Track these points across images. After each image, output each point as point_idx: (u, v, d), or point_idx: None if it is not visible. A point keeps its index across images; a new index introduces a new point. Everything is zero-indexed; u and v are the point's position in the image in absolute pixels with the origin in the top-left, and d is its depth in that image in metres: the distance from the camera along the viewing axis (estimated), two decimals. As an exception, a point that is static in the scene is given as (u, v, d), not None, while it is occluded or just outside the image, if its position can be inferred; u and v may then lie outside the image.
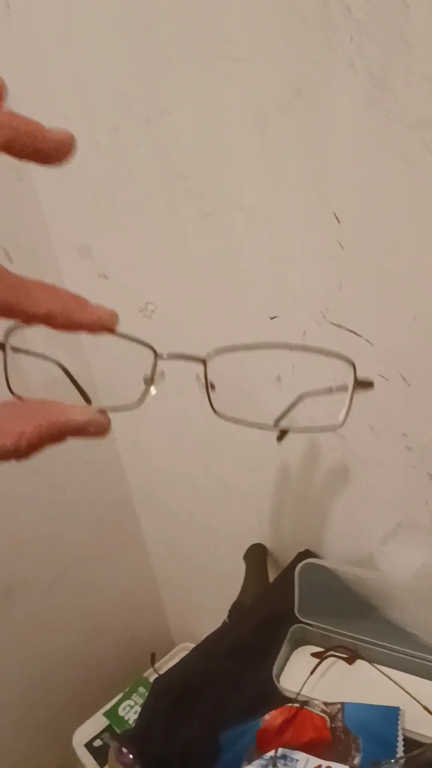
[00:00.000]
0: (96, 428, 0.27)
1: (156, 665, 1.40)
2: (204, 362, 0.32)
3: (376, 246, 0.59)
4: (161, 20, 0.65)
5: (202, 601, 1.40)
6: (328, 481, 0.82)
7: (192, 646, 1.44)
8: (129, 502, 1.35)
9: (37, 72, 0.82)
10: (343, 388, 0.33)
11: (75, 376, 0.38)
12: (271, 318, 0.70)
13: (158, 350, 0.32)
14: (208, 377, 0.33)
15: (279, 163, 0.62)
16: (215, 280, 0.77)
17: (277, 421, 0.38)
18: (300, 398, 0.38)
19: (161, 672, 1.38)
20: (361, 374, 0.33)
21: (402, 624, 0.75)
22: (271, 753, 0.64)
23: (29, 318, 0.26)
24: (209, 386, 0.34)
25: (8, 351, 0.33)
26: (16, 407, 0.27)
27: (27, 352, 0.33)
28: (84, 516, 1.28)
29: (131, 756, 0.74)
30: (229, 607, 0.95)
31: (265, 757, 0.64)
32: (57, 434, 0.26)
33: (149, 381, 0.33)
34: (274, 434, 0.76)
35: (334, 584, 0.78)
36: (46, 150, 0.25)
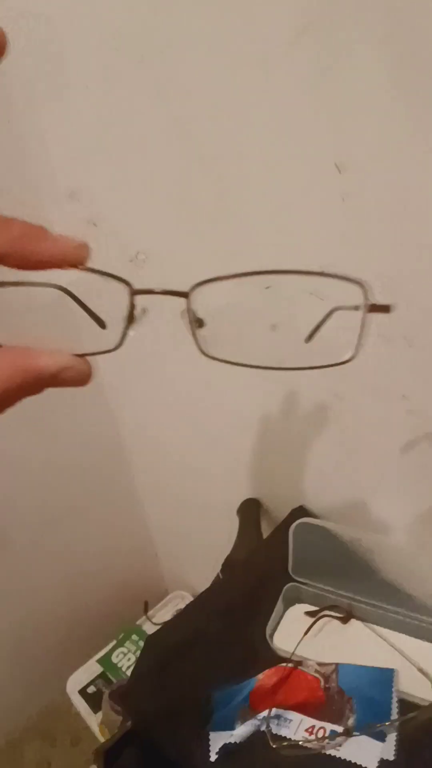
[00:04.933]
0: (74, 375, 0.24)
1: (149, 613, 1.42)
2: (186, 296, 0.29)
3: (381, 199, 0.55)
4: None
5: (195, 550, 1.40)
6: (325, 438, 0.80)
7: (185, 594, 1.48)
8: (120, 450, 1.33)
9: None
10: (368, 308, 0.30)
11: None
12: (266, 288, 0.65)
13: (134, 285, 0.28)
14: (195, 313, 0.30)
15: (282, 106, 0.57)
16: (211, 230, 0.72)
17: (309, 338, 0.35)
18: (332, 312, 0.34)
19: (153, 619, 1.41)
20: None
21: (397, 584, 0.74)
22: (265, 712, 0.63)
23: None
24: (194, 324, 0.30)
25: None
26: None
27: (4, 284, 0.29)
28: (75, 464, 1.26)
29: (121, 709, 0.74)
30: (221, 556, 0.94)
31: (259, 717, 0.63)
32: (30, 384, 0.23)
33: (127, 320, 0.29)
34: (268, 384, 0.73)
35: (328, 543, 0.76)
36: None
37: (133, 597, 1.44)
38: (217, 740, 0.64)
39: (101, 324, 0.32)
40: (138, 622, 1.41)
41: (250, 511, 0.96)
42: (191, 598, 1.46)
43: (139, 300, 0.29)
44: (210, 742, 0.64)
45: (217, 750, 0.63)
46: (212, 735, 0.65)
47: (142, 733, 0.69)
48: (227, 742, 0.63)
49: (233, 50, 0.57)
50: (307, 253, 0.63)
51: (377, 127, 0.52)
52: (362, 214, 0.57)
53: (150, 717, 0.68)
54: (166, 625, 0.79)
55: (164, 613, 1.45)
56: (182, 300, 0.30)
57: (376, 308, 0.31)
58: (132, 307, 0.29)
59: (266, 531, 0.94)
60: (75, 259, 0.24)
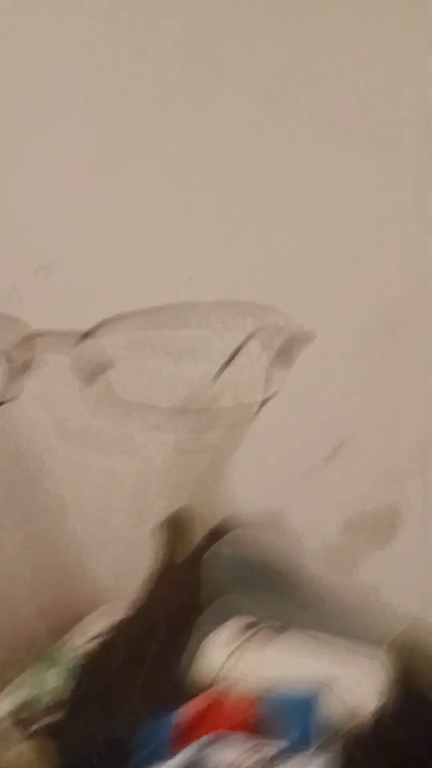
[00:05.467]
0: None
1: (65, 637, 1.36)
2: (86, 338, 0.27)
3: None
4: None
5: (122, 563, 1.36)
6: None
7: (106, 610, 1.43)
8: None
9: None
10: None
11: None
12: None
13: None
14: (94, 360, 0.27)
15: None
16: (119, 241, 0.68)
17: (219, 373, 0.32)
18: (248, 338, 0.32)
19: (69, 644, 1.35)
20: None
21: (327, 588, 0.74)
22: (201, 740, 0.61)
23: None
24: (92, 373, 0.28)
25: None
26: None
27: None
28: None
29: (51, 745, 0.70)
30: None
31: (194, 745, 0.61)
32: None
33: (21, 368, 0.26)
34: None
35: (255, 554, 0.75)
36: None
37: (61, 615, 1.39)
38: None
39: None
40: (64, 640, 1.36)
41: (173, 525, 0.93)
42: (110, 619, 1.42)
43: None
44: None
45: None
46: (146, 769, 0.62)
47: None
48: (165, 774, 0.60)
49: None
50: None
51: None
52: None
53: (78, 752, 0.65)
54: (91, 655, 0.76)
55: (95, 628, 1.40)
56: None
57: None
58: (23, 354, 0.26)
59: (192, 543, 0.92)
60: None
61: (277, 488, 0.81)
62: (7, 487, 1.23)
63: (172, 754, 0.62)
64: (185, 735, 0.63)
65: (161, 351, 0.30)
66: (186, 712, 0.65)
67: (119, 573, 1.40)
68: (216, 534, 0.75)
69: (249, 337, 0.32)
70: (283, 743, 0.61)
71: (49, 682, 1.27)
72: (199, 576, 0.77)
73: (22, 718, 1.22)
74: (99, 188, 0.67)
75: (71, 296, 0.71)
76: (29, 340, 0.25)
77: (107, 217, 0.69)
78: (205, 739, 0.62)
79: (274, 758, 0.60)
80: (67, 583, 1.50)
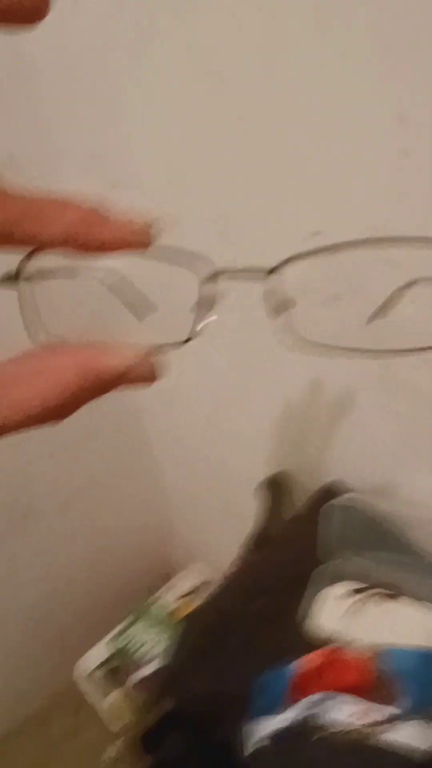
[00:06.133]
0: (143, 373, 0.22)
1: (159, 593, 1.40)
2: (273, 273, 0.26)
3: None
4: None
5: (215, 522, 1.38)
6: (369, 410, 0.76)
7: (204, 566, 1.46)
8: (139, 418, 1.30)
9: None
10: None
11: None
12: (314, 233, 0.61)
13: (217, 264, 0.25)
14: (280, 294, 0.27)
15: (335, 56, 0.52)
16: (247, 189, 0.67)
17: (374, 315, 0.31)
18: (410, 284, 0.30)
19: (167, 596, 1.39)
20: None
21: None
22: (313, 696, 0.61)
23: (42, 243, 0.20)
24: (281, 306, 0.27)
25: (25, 284, 0.25)
26: (41, 357, 0.21)
27: (54, 275, 0.25)
28: (95, 438, 1.24)
29: (163, 692, 0.72)
30: (240, 528, 0.92)
31: (308, 700, 0.62)
32: (97, 386, 0.21)
33: (207, 304, 0.26)
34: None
35: (368, 517, 0.74)
36: (17, 5, 0.18)
37: (153, 572, 1.43)
38: (266, 725, 0.62)
39: (152, 310, 0.28)
40: (149, 602, 1.40)
41: (280, 485, 0.93)
42: (211, 572, 1.45)
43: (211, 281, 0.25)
44: (258, 727, 0.62)
45: (267, 734, 0.62)
46: (258, 720, 0.63)
47: (185, 716, 0.67)
48: (277, 726, 0.61)
49: None
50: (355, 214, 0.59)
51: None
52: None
53: (195, 700, 0.67)
54: (203, 606, 0.77)
55: (177, 590, 1.43)
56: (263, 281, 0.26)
57: None
58: (213, 290, 0.25)
59: (297, 505, 0.92)
60: (143, 239, 0.21)
61: (389, 459, 0.79)
62: (110, 440, 1.27)
63: (285, 708, 0.62)
64: (298, 690, 0.64)
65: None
66: (299, 668, 0.65)
67: (211, 532, 1.43)
68: (326, 495, 0.74)
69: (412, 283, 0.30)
70: (398, 706, 0.60)
71: (139, 636, 1.32)
72: (308, 535, 0.76)
73: (113, 668, 1.27)
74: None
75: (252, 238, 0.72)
76: (216, 276, 0.25)
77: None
78: (315, 696, 0.62)
79: (385, 722, 0.59)
80: (158, 540, 1.54)
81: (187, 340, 0.26)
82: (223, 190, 0.70)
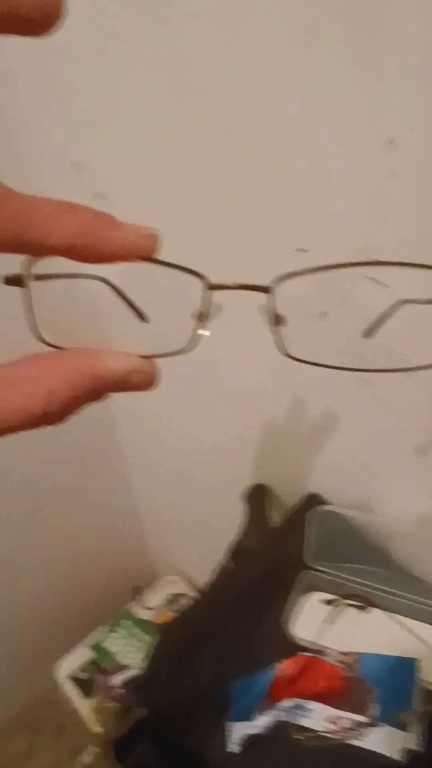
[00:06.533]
0: (141, 379, 0.23)
1: (138, 597, 1.41)
2: (268, 291, 0.27)
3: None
4: None
5: (187, 534, 1.38)
6: (344, 423, 0.78)
7: (175, 578, 1.47)
8: (111, 427, 1.30)
9: None
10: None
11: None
12: (298, 250, 0.63)
13: (211, 280, 0.26)
14: (276, 310, 0.28)
15: (325, 78, 0.54)
16: (235, 205, 0.69)
17: (367, 332, 0.33)
18: (396, 306, 0.32)
19: (146, 604, 1.40)
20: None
21: (415, 571, 0.74)
22: (285, 703, 0.62)
23: (40, 249, 0.20)
24: (276, 321, 0.28)
25: (31, 286, 0.25)
26: (40, 360, 0.21)
27: (57, 277, 0.26)
28: (66, 441, 1.22)
29: (135, 699, 0.72)
30: (215, 541, 0.93)
31: (279, 707, 0.62)
32: (94, 389, 0.21)
33: (201, 317, 0.27)
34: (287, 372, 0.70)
35: (344, 530, 0.75)
36: (25, 14, 0.18)
37: (123, 581, 1.43)
38: (237, 731, 0.63)
39: (143, 318, 0.29)
40: (128, 608, 1.40)
41: (258, 496, 0.94)
42: (182, 583, 1.45)
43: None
44: (229, 733, 0.63)
45: (237, 741, 0.62)
46: (231, 726, 0.64)
47: (157, 724, 0.68)
48: (247, 733, 0.62)
49: (277, 14, 0.54)
50: (339, 233, 0.61)
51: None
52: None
53: (168, 708, 0.67)
54: (179, 616, 0.78)
55: (155, 597, 1.44)
56: (259, 296, 0.28)
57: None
58: (208, 304, 0.26)
59: (275, 517, 0.93)
60: (145, 249, 0.22)
61: (362, 475, 0.80)
62: (81, 447, 1.27)
63: (258, 715, 0.63)
64: (271, 697, 0.65)
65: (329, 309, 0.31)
66: (273, 675, 0.66)
67: (187, 544, 1.44)
68: (304, 508, 0.76)
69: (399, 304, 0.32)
70: (368, 714, 0.61)
71: (112, 646, 1.31)
72: (285, 547, 0.77)
73: (82, 679, 1.27)
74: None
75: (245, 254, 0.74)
76: (211, 291, 0.26)
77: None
78: (287, 703, 0.63)
79: (355, 728, 0.60)
80: (133, 551, 1.54)
81: (184, 350, 0.27)
82: (213, 205, 0.72)
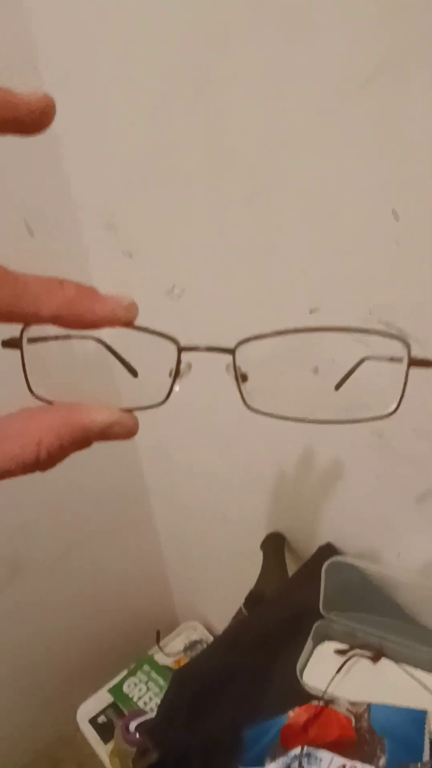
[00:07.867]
0: (122, 430, 0.25)
1: (161, 643, 1.41)
2: (233, 353, 0.31)
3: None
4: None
5: (209, 581, 1.40)
6: (358, 474, 0.80)
7: (197, 624, 1.47)
8: (140, 475, 1.34)
9: (74, 28, 0.78)
10: (403, 361, 0.31)
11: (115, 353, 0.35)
12: (311, 311, 0.68)
13: (182, 341, 0.29)
14: (239, 368, 0.31)
15: (341, 150, 0.59)
16: (252, 265, 0.74)
17: (337, 387, 0.36)
18: (361, 362, 0.36)
19: (165, 650, 1.40)
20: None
21: (428, 623, 0.75)
22: (296, 751, 0.63)
23: (32, 320, 0.23)
24: (239, 378, 0.32)
25: (25, 347, 0.29)
26: (32, 414, 0.25)
27: (48, 339, 0.31)
28: (91, 492, 1.27)
29: (149, 743, 0.74)
30: (236, 588, 0.95)
31: (290, 755, 0.64)
32: (80, 439, 0.24)
33: (174, 375, 0.30)
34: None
35: (359, 581, 0.77)
36: (23, 118, 0.22)
37: (145, 626, 1.43)
38: (249, 778, 0.64)
39: (134, 374, 0.34)
40: (150, 652, 1.41)
41: (275, 545, 0.96)
42: (203, 629, 1.46)
43: (184, 355, 0.30)
44: (241, 780, 0.64)
45: (249, 787, 0.63)
46: (243, 772, 0.65)
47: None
48: (259, 779, 0.63)
49: (291, 88, 0.59)
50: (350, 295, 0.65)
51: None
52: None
53: (182, 752, 0.68)
54: (194, 660, 0.79)
55: (176, 643, 1.44)
56: (227, 356, 0.31)
57: (419, 363, 0.31)
58: (178, 363, 0.30)
59: (290, 565, 0.95)
60: (125, 318, 0.25)
61: (375, 525, 0.82)
62: (108, 494, 1.30)
63: (271, 760, 0.64)
64: (283, 744, 0.66)
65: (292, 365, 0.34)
66: (285, 722, 0.67)
67: (209, 590, 1.45)
68: (319, 558, 0.78)
69: (364, 359, 0.36)
70: (378, 764, 0.62)
71: (128, 691, 1.32)
72: (300, 596, 0.79)
73: (101, 723, 1.27)
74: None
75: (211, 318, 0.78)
76: (181, 353, 0.30)
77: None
78: (297, 750, 0.64)
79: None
80: (153, 595, 1.55)
81: (160, 403, 0.31)
82: (232, 268, 0.77)
